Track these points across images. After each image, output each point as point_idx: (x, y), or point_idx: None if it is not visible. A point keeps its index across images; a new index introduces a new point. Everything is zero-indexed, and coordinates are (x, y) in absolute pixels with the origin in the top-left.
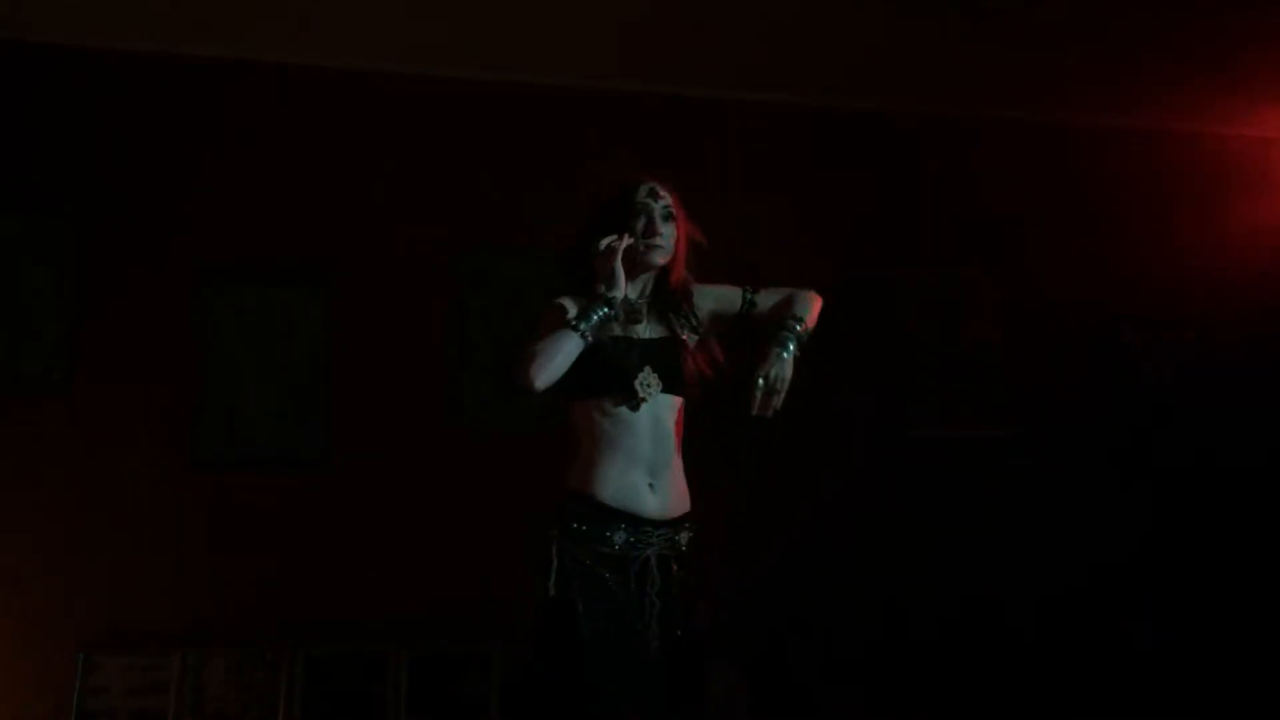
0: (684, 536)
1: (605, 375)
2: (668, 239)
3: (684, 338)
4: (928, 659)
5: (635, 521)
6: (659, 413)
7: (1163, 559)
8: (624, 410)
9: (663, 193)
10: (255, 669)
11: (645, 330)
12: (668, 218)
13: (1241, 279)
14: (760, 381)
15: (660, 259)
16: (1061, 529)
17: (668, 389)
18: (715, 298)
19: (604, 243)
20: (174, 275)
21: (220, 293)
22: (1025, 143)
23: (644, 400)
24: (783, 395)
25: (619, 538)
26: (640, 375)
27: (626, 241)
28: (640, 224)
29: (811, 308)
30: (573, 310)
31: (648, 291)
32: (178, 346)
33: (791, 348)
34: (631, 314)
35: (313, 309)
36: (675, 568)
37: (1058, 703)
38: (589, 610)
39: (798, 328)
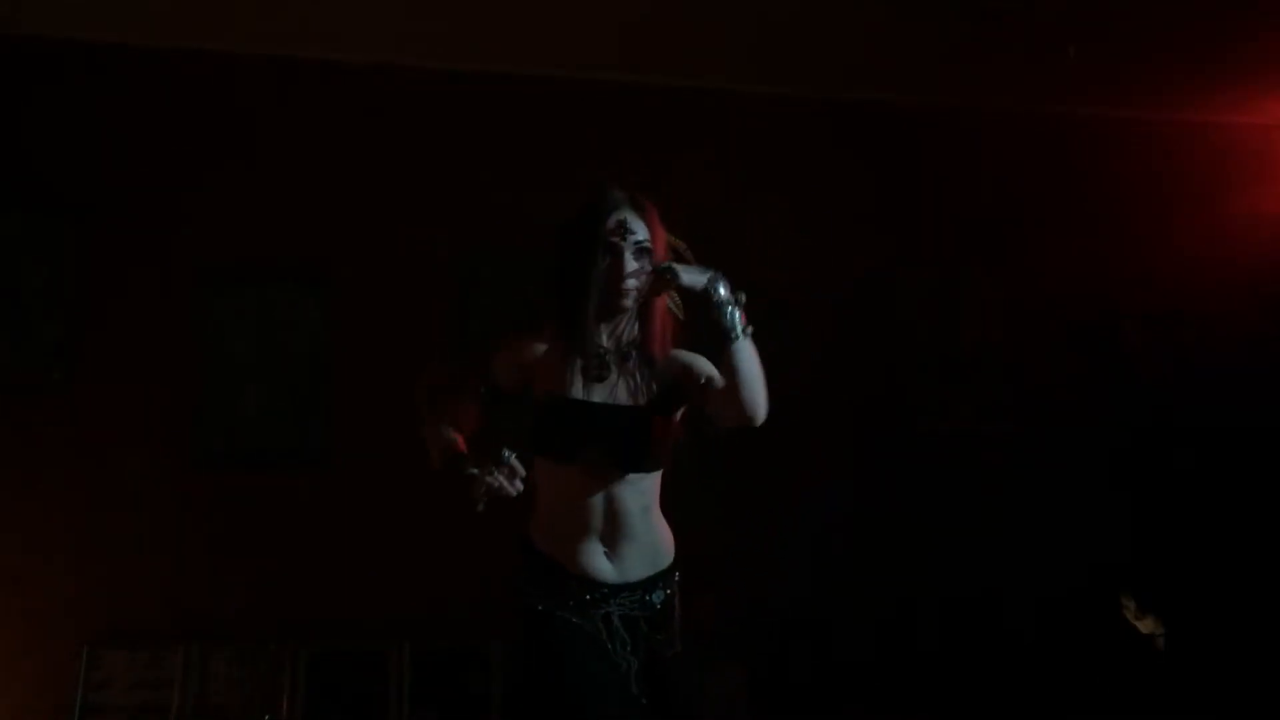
0: (657, 596)
1: (553, 441)
2: (642, 279)
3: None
4: (928, 656)
5: (589, 583)
6: (613, 490)
7: (1164, 557)
8: (574, 475)
9: (635, 226)
10: (258, 665)
11: (608, 392)
12: (641, 253)
13: (1244, 274)
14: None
15: (630, 303)
16: (1062, 526)
17: (617, 466)
18: (684, 368)
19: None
20: (174, 274)
21: (220, 292)
22: (1025, 136)
23: (588, 465)
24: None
25: (572, 590)
26: (583, 452)
27: (488, 490)
28: (605, 263)
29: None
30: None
31: (622, 336)
32: (178, 345)
33: (702, 277)
34: (599, 368)
35: (313, 308)
36: (645, 628)
37: (1058, 701)
38: (557, 646)
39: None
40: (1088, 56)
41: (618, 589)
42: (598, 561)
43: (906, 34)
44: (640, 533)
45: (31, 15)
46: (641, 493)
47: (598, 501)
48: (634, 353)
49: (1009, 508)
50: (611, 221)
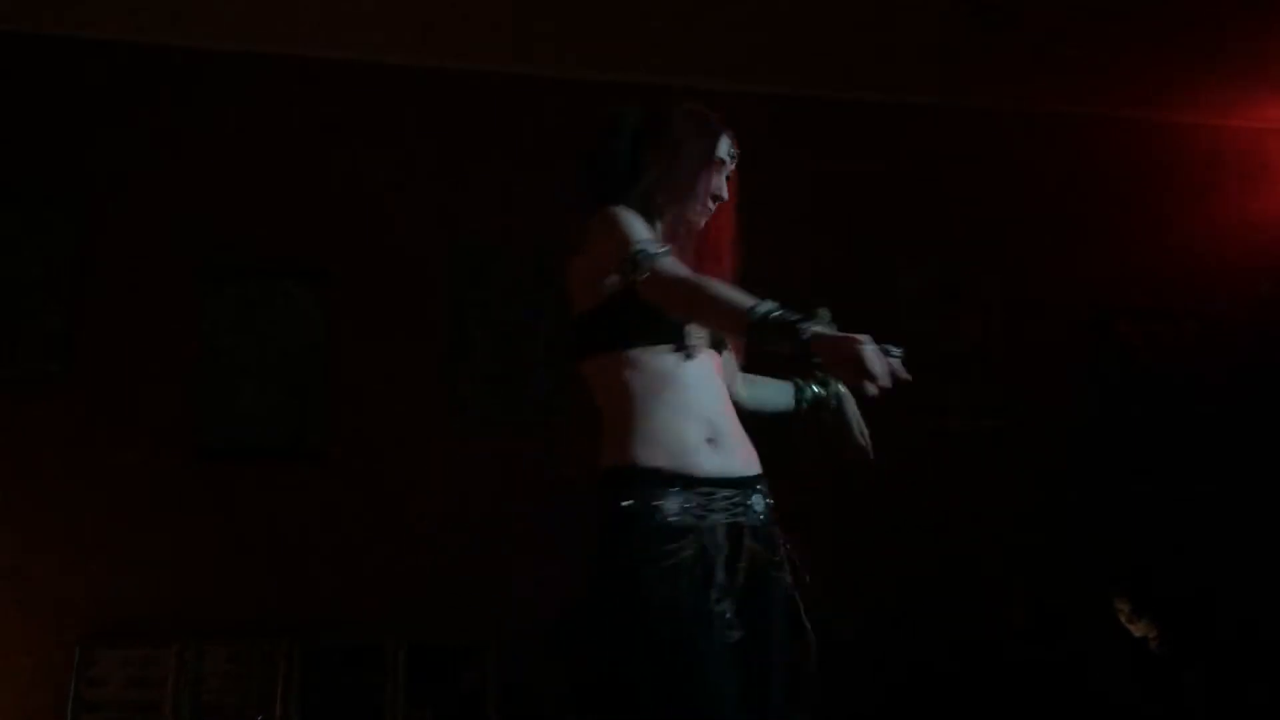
0: (759, 502)
1: (653, 321)
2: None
3: None
4: (926, 653)
5: (690, 483)
6: (713, 376)
7: (1160, 556)
8: (672, 362)
9: (736, 153)
10: (253, 661)
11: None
12: (726, 180)
13: (1239, 270)
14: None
15: (703, 221)
16: (1056, 523)
17: (712, 345)
18: None
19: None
20: (172, 267)
21: (218, 285)
22: (1021, 135)
23: (693, 349)
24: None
25: (672, 506)
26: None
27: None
28: (717, 183)
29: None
30: (642, 235)
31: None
32: (175, 339)
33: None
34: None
35: (311, 303)
36: (748, 541)
37: (1054, 699)
38: (643, 617)
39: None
40: (1083, 57)
41: (719, 484)
42: (700, 450)
43: (902, 33)
44: (734, 424)
45: (30, 11)
46: (728, 380)
47: (697, 381)
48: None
49: (1003, 504)
50: (727, 145)
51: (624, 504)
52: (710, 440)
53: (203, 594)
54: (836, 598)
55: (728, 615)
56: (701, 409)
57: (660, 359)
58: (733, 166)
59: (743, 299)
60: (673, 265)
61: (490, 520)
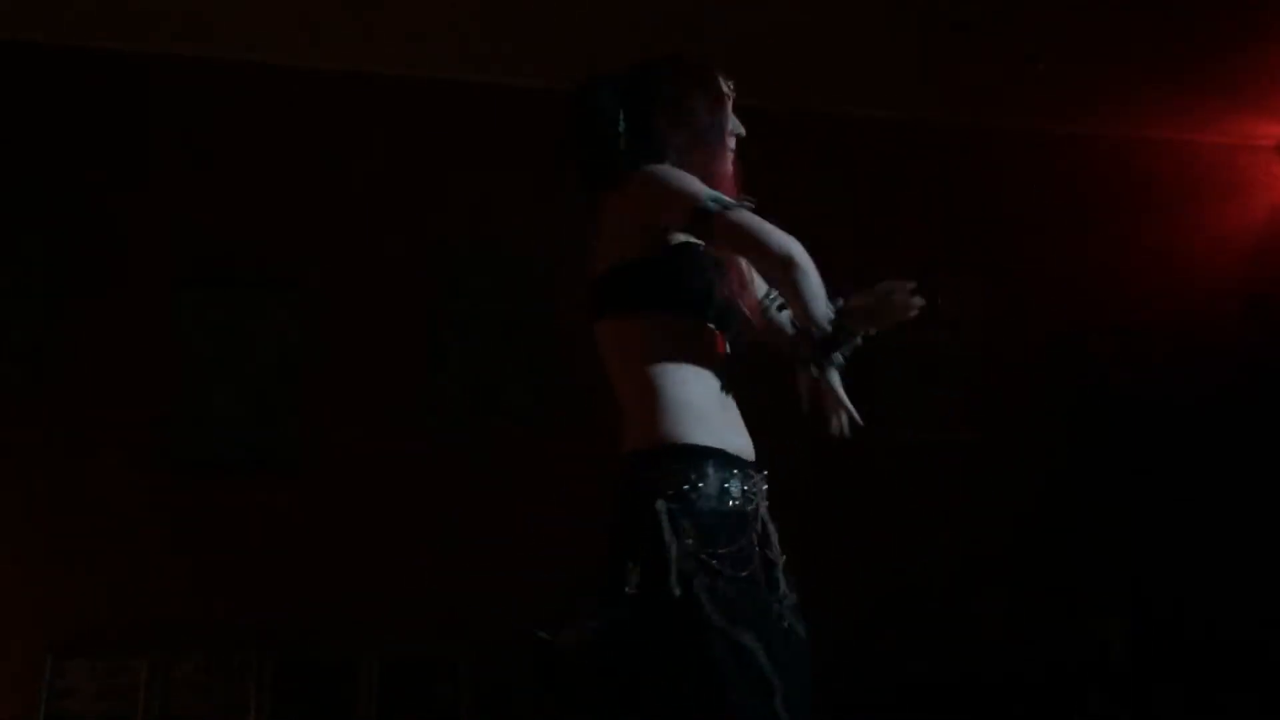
0: (765, 491)
1: (702, 290)
2: None
3: None
4: (899, 665)
5: (743, 466)
6: (716, 339)
7: (1131, 564)
8: (694, 329)
9: (732, 84)
10: (225, 673)
11: None
12: None
13: (1210, 286)
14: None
15: None
16: (1031, 534)
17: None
18: None
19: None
20: (145, 278)
21: (192, 296)
22: (997, 150)
23: (722, 318)
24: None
25: (735, 488)
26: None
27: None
28: (734, 123)
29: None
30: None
31: None
32: (149, 350)
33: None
34: None
35: (285, 313)
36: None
37: (1034, 707)
38: (729, 619)
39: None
40: (1058, 75)
41: (750, 466)
42: (734, 429)
43: (883, 49)
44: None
45: (2, 19)
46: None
47: (719, 361)
48: None
49: (978, 513)
50: (728, 86)
51: (686, 488)
52: (732, 415)
53: (174, 605)
54: (816, 606)
55: (787, 623)
56: (723, 381)
57: (684, 324)
58: (733, 97)
59: (823, 305)
60: (753, 216)
61: (465, 534)
